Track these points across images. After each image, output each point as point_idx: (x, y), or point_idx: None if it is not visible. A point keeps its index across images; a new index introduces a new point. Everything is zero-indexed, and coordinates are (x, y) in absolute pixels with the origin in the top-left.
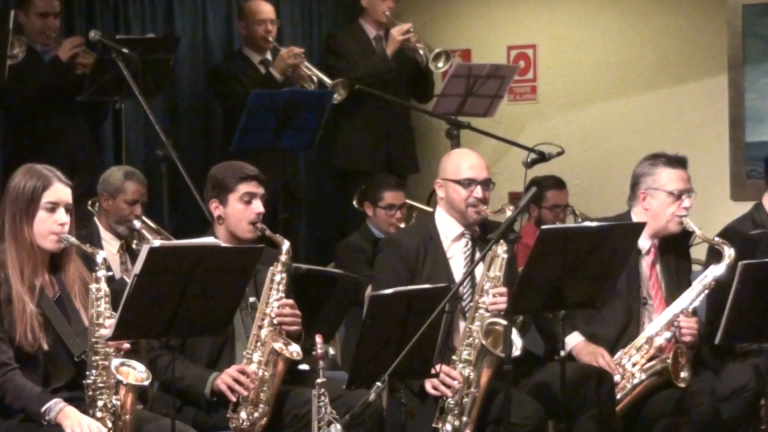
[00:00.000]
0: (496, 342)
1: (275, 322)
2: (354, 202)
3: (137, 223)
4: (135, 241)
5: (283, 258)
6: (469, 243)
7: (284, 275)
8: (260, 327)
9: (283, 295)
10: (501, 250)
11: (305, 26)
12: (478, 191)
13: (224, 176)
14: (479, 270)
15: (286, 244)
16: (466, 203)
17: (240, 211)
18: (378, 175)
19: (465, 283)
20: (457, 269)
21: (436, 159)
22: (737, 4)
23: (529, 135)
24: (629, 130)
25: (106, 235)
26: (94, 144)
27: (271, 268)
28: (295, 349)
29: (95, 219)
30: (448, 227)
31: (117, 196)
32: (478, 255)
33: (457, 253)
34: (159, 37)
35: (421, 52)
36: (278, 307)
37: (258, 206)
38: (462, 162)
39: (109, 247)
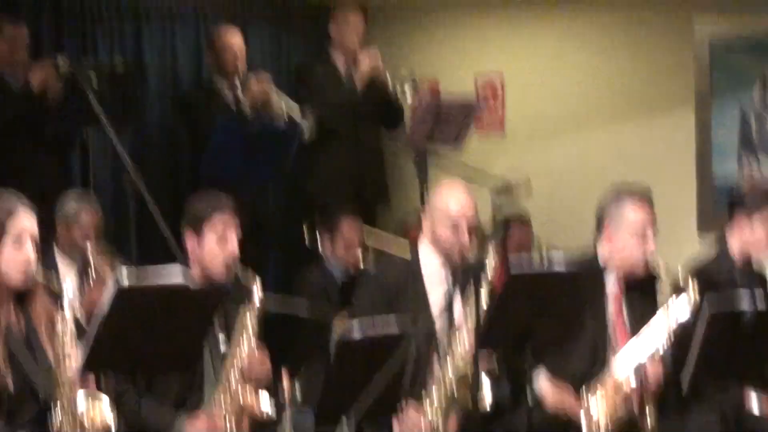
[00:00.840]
0: (467, 389)
1: (244, 371)
2: (306, 241)
3: (89, 246)
4: (91, 265)
5: (255, 301)
6: (450, 278)
7: (255, 320)
8: (229, 373)
9: (253, 339)
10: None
11: (274, 56)
12: (463, 232)
13: (200, 206)
14: (457, 306)
15: (257, 287)
16: (450, 242)
17: (215, 248)
18: (330, 205)
19: (443, 320)
20: (437, 304)
21: (405, 190)
22: (704, 38)
23: (496, 167)
24: (596, 162)
25: (63, 260)
26: (61, 173)
27: (242, 311)
28: (265, 409)
29: (54, 244)
30: (430, 261)
31: (71, 221)
32: (457, 290)
33: (437, 288)
34: (128, 67)
35: (390, 81)
36: (248, 355)
37: (234, 246)
38: (451, 199)
39: (66, 272)
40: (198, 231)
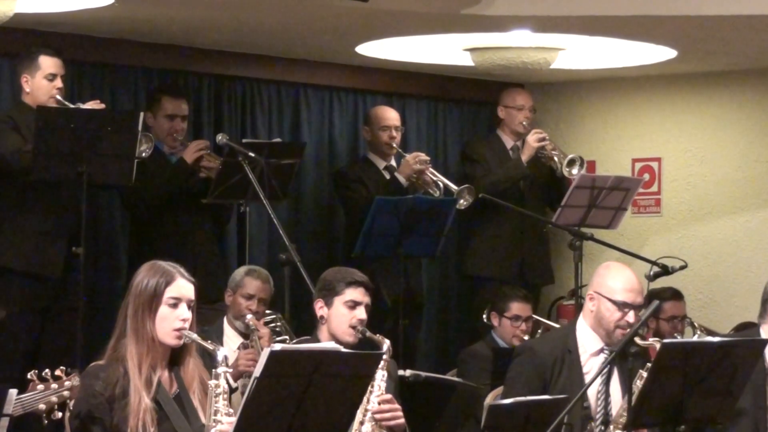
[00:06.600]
0: None
1: (376, 417)
2: (483, 317)
3: (249, 317)
4: (253, 335)
5: (384, 356)
6: (608, 359)
7: (385, 373)
8: (361, 423)
9: (383, 392)
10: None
11: (431, 134)
12: (630, 316)
13: (333, 279)
14: (615, 387)
15: (386, 343)
16: (615, 324)
17: (342, 314)
18: (506, 285)
19: (599, 401)
20: (593, 385)
21: (563, 270)
22: None
23: (652, 248)
24: (753, 245)
25: (229, 332)
26: (218, 246)
27: None
28: None
29: (225, 316)
30: (588, 341)
31: (237, 290)
32: (616, 372)
33: (594, 368)
34: (285, 142)
35: (556, 159)
36: (378, 404)
37: (361, 313)
38: (620, 283)
39: (230, 343)
40: (329, 303)
